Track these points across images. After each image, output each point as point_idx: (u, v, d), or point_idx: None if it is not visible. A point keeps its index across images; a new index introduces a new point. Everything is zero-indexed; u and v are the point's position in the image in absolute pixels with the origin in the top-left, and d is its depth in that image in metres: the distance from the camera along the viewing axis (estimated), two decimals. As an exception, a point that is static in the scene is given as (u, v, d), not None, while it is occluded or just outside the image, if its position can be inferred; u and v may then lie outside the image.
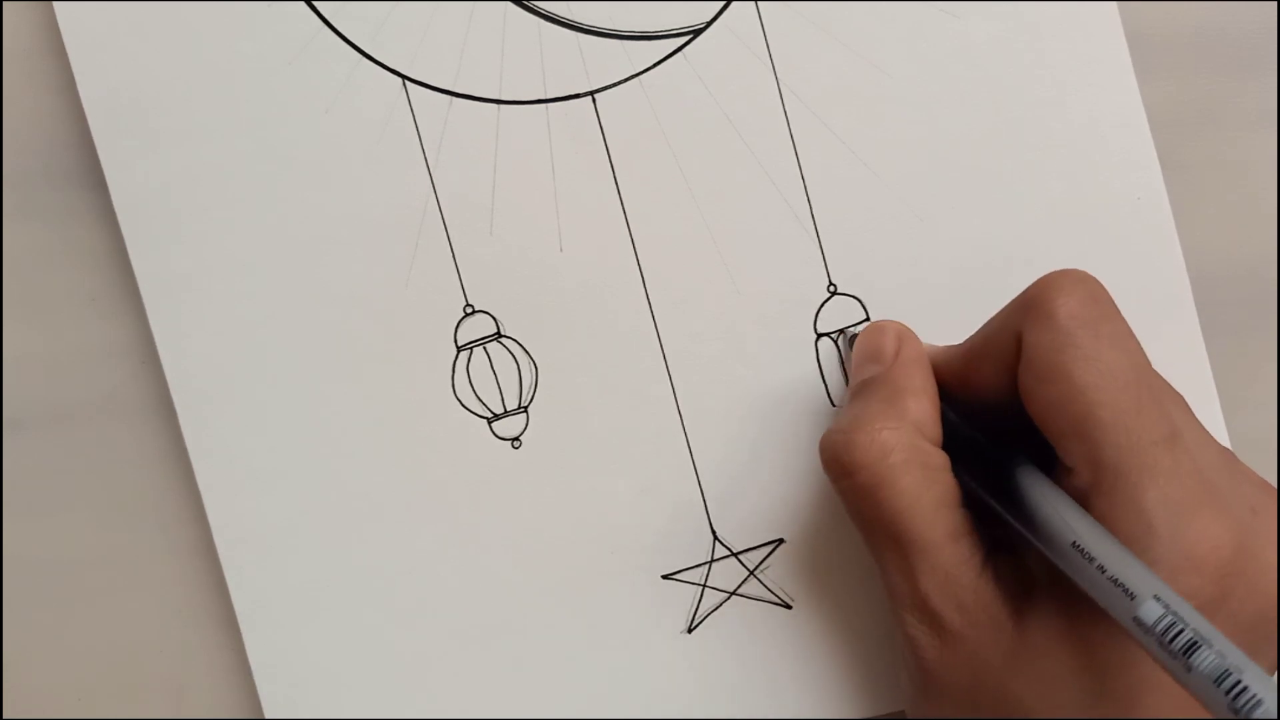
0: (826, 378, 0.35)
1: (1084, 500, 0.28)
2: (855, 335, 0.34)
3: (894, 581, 0.30)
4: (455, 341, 0.35)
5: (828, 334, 0.35)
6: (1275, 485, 0.30)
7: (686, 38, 0.35)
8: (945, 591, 0.29)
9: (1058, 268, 0.35)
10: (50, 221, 0.36)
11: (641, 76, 0.35)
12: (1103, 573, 0.26)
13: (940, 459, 0.30)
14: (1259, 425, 0.37)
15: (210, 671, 0.36)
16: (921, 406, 0.30)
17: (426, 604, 0.35)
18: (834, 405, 0.35)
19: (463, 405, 0.35)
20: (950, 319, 0.35)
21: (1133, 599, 0.25)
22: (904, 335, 0.32)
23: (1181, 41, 0.36)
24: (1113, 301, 0.30)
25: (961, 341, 0.32)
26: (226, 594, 0.35)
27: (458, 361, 0.35)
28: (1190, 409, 0.30)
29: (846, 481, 0.30)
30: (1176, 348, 0.35)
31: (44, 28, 0.35)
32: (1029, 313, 0.29)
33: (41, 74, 0.35)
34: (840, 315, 0.35)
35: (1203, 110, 0.36)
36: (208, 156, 0.35)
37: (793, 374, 0.35)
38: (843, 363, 0.35)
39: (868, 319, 0.35)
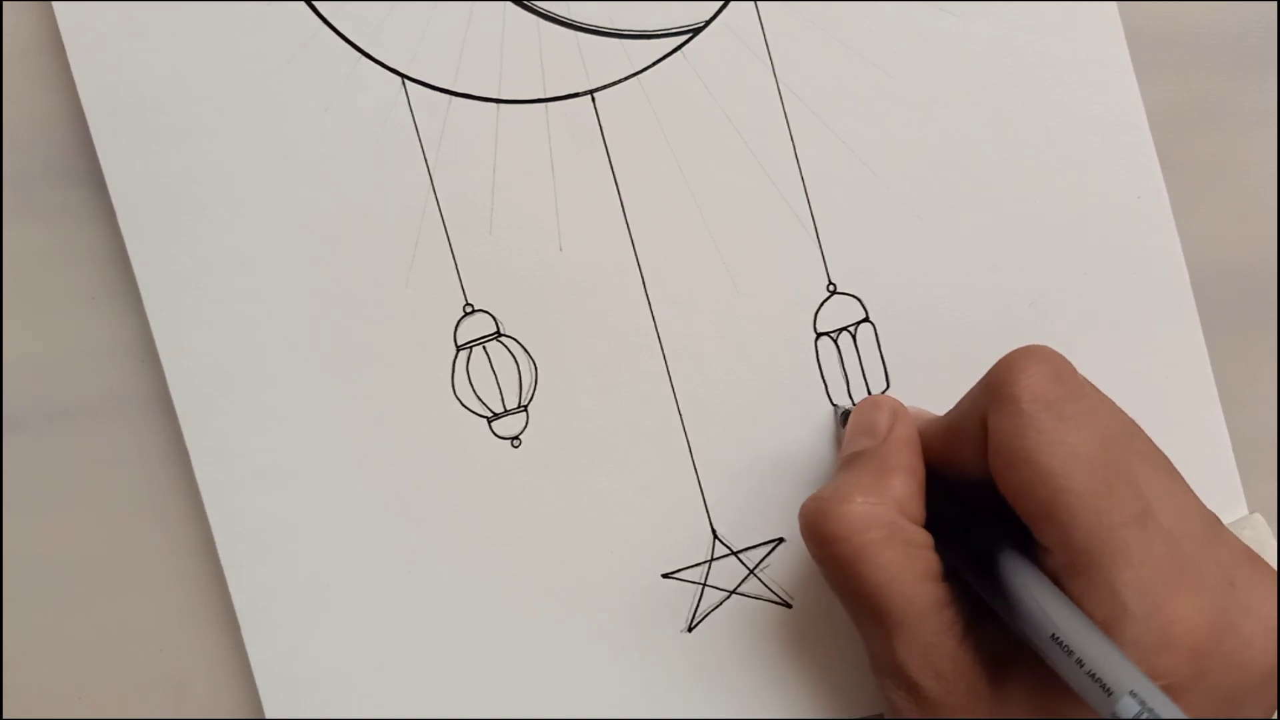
0: (826, 377, 0.35)
1: (1059, 580, 0.28)
2: (848, 411, 0.35)
3: (872, 648, 0.30)
4: (455, 341, 0.35)
5: (827, 333, 0.35)
6: (1258, 550, 0.30)
7: (686, 37, 0.35)
8: (924, 661, 0.29)
9: (1058, 268, 0.35)
10: (50, 221, 0.36)
11: (641, 75, 0.35)
12: (1080, 666, 0.26)
13: (922, 536, 0.30)
14: (1259, 424, 0.37)
15: (210, 671, 0.36)
16: (906, 485, 0.30)
17: (426, 603, 0.35)
18: (833, 405, 0.35)
19: (462, 404, 0.35)
20: (950, 319, 0.35)
21: (1109, 694, 0.25)
22: (898, 412, 0.32)
23: (1181, 41, 0.36)
24: (1077, 377, 0.29)
25: (942, 415, 0.32)
26: (226, 593, 0.35)
27: (457, 361, 0.35)
28: (1173, 471, 0.30)
29: (824, 550, 0.30)
30: (1177, 346, 0.35)
31: (43, 27, 0.35)
32: (992, 396, 0.29)
33: (41, 73, 0.35)
34: (840, 314, 0.35)
35: (1203, 110, 0.36)
36: (207, 155, 0.35)
37: (792, 373, 0.35)
38: (836, 433, 0.35)
39: (867, 318, 0.35)
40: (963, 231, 0.35)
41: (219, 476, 0.35)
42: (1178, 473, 0.30)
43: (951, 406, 0.31)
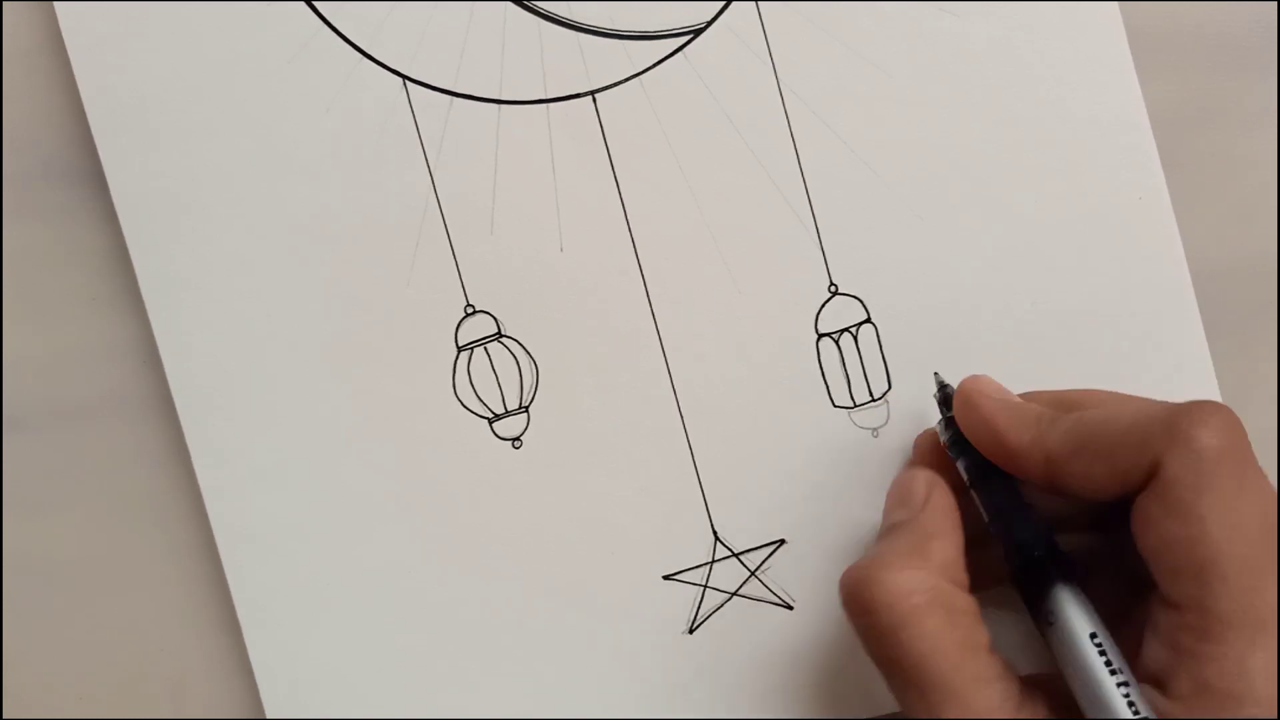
0: (827, 377, 0.35)
1: (1177, 634, 0.27)
2: (943, 384, 0.34)
3: None
4: (456, 341, 0.35)
5: (828, 334, 0.35)
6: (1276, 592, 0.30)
7: (687, 37, 0.35)
8: None
9: (1059, 268, 0.35)
10: (50, 221, 0.36)
11: (642, 76, 0.35)
12: None
13: (967, 603, 0.29)
14: (1259, 424, 0.36)
15: (211, 671, 0.36)
16: (946, 550, 0.30)
17: (427, 604, 0.35)
18: (834, 405, 0.35)
19: (463, 405, 0.35)
20: (951, 319, 0.35)
21: None
22: (934, 483, 0.31)
23: (1182, 41, 0.36)
24: (1250, 445, 0.29)
25: (1072, 416, 0.30)
26: (228, 594, 0.35)
27: (458, 361, 0.35)
28: None
29: (866, 620, 0.29)
30: (1178, 346, 0.35)
31: (44, 27, 0.35)
32: (1174, 442, 0.28)
33: (42, 73, 0.35)
34: (841, 315, 0.35)
35: (1203, 109, 0.36)
36: (208, 156, 0.35)
37: (793, 373, 0.35)
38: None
39: (868, 319, 0.35)
40: (964, 231, 0.35)
41: (220, 477, 0.35)
42: None
43: (1082, 413, 0.30)
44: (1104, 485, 0.29)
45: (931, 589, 0.28)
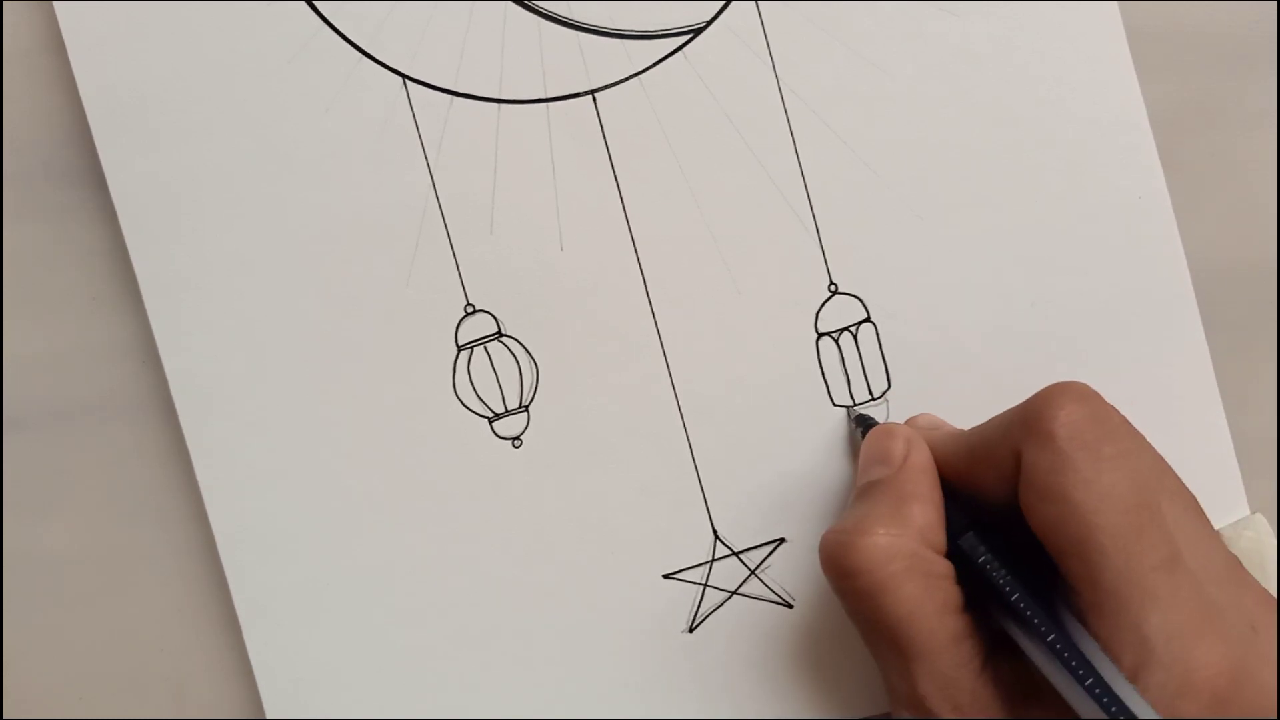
0: (827, 377, 0.35)
1: (1084, 618, 0.28)
2: (866, 421, 0.34)
3: (892, 681, 0.30)
4: (456, 341, 0.35)
5: (828, 333, 0.35)
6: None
7: (687, 37, 0.35)
8: (943, 694, 0.29)
9: (1059, 268, 0.35)
10: (50, 220, 0.36)
11: (642, 76, 0.35)
12: (1102, 707, 0.26)
13: (944, 567, 0.30)
14: (1260, 424, 0.37)
15: (211, 671, 0.36)
16: (926, 514, 0.30)
17: (427, 603, 0.35)
18: (834, 404, 0.35)
19: (463, 405, 0.35)
20: (951, 318, 0.35)
21: None
22: (913, 441, 0.32)
23: (1182, 41, 0.36)
24: (1116, 416, 0.29)
25: (963, 431, 0.32)
26: (227, 593, 0.35)
27: (458, 361, 0.35)
28: (1200, 512, 0.30)
29: (846, 583, 0.29)
30: (1178, 346, 0.35)
31: (44, 27, 0.35)
32: (1028, 430, 0.29)
33: (42, 73, 0.35)
34: (841, 314, 0.35)
35: (1203, 110, 0.36)
36: (208, 155, 0.35)
37: (793, 373, 0.35)
38: (849, 436, 0.35)
39: (868, 318, 0.35)
40: (964, 231, 0.35)
41: (219, 476, 0.35)
42: (1204, 514, 0.30)
43: (975, 426, 0.31)
44: (997, 487, 0.30)
45: (910, 555, 0.29)
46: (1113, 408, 0.29)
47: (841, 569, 0.29)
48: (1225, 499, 0.35)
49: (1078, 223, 0.35)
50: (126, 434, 0.36)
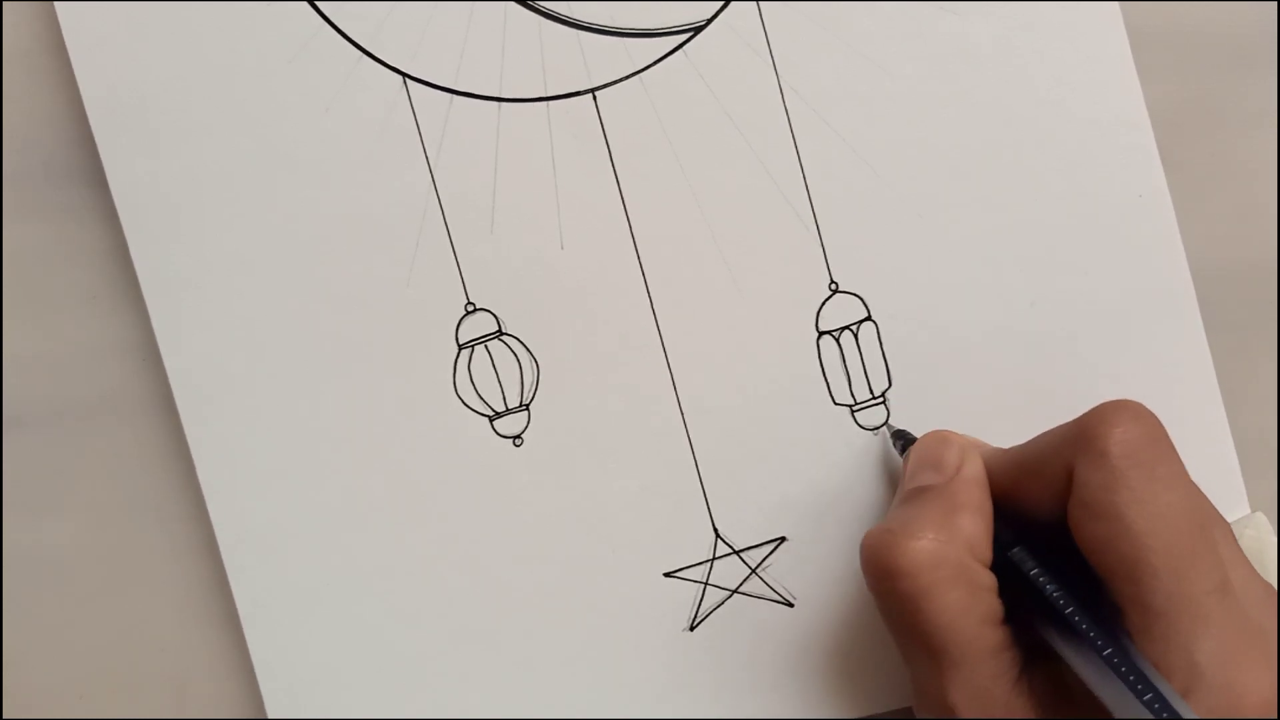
0: (828, 375, 0.35)
1: (1136, 641, 0.28)
2: (905, 435, 0.34)
3: (922, 685, 0.30)
4: (456, 339, 0.35)
5: (829, 332, 0.35)
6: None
7: (687, 35, 0.35)
8: (975, 703, 0.28)
9: (1059, 268, 0.35)
10: (51, 220, 0.35)
11: (642, 74, 0.35)
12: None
13: (988, 579, 0.29)
14: (1260, 423, 0.37)
15: (212, 670, 0.36)
16: (975, 525, 0.30)
17: (428, 602, 0.35)
18: (835, 403, 0.35)
19: (464, 403, 0.35)
20: (951, 317, 0.35)
21: None
22: (968, 450, 0.32)
23: (1182, 41, 0.36)
24: (1168, 439, 0.29)
25: (1011, 448, 0.31)
26: (228, 592, 0.35)
27: (459, 359, 0.35)
28: (1234, 539, 0.30)
29: (887, 584, 0.29)
30: (1179, 346, 0.35)
31: (45, 27, 0.35)
32: (1082, 447, 0.28)
33: (42, 73, 0.35)
34: (841, 313, 0.35)
35: (1203, 109, 0.36)
36: (209, 155, 0.35)
37: (794, 372, 0.35)
38: (892, 451, 0.35)
39: (869, 317, 0.35)
40: (964, 230, 0.35)
41: (221, 476, 0.35)
42: (1235, 538, 0.30)
43: (1024, 442, 0.31)
44: (1045, 503, 0.30)
45: (956, 564, 0.29)
46: (1165, 430, 0.29)
47: (885, 569, 0.29)
48: (1226, 498, 0.35)
49: (1078, 222, 0.35)
50: (127, 433, 0.36)
